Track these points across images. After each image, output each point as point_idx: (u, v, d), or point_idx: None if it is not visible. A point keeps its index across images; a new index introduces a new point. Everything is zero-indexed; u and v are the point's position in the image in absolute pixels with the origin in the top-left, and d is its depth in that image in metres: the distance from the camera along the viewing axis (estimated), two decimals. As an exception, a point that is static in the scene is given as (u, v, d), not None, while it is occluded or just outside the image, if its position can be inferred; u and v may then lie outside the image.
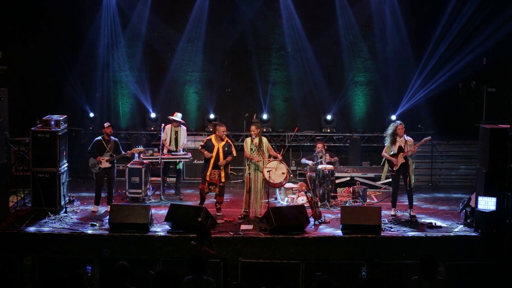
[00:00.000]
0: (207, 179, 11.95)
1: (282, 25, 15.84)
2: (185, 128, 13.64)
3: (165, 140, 13.33)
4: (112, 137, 12.52)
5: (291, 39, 15.87)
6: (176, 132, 13.37)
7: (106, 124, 12.50)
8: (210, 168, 11.94)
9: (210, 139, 12.08)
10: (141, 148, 12.96)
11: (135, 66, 16.03)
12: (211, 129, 12.44)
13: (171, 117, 13.51)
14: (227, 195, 13.92)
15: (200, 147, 12.18)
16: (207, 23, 15.77)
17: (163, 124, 13.61)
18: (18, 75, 15.83)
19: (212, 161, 11.93)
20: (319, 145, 13.51)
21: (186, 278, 7.69)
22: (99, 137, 12.47)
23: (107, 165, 12.31)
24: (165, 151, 13.19)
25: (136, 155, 13.43)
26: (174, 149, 13.29)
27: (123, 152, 12.50)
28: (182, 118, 13.52)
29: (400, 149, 11.96)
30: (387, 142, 12.15)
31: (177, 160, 13.32)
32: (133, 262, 7.49)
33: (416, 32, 15.52)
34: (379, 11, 15.59)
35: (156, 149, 13.19)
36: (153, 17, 15.73)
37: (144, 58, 15.97)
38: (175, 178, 13.79)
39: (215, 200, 12.20)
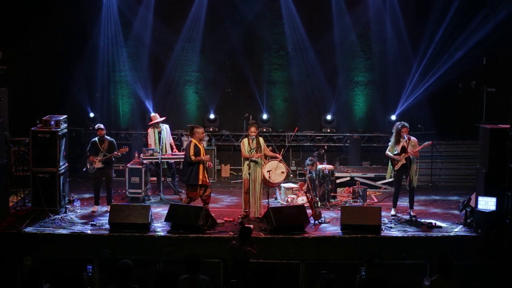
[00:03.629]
0: (200, 183, 11.66)
1: (282, 25, 15.86)
2: (167, 126, 13.63)
3: (151, 144, 13.34)
4: (108, 138, 12.51)
5: (291, 39, 15.88)
6: (159, 133, 13.36)
7: (96, 126, 12.51)
8: (201, 172, 11.62)
9: (196, 144, 11.65)
10: (125, 148, 12.68)
11: (135, 66, 16.03)
12: (187, 132, 12.07)
13: (152, 122, 13.49)
14: (226, 195, 13.94)
15: (193, 158, 11.51)
16: (207, 23, 15.79)
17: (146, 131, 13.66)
18: (18, 75, 15.83)
19: (201, 166, 11.64)
20: (311, 166, 13.25)
21: (183, 277, 7.70)
22: (95, 138, 12.49)
23: (100, 165, 12.29)
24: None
25: (136, 155, 13.46)
26: (159, 151, 13.14)
27: (115, 152, 12.43)
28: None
29: (403, 149, 11.96)
30: (392, 142, 12.15)
31: (159, 160, 13.08)
32: (133, 262, 7.48)
33: (416, 32, 15.51)
34: (379, 11, 15.58)
35: (156, 149, 13.16)
36: (153, 17, 15.72)
37: (144, 58, 15.96)
38: (171, 178, 13.84)
39: (202, 202, 11.86)
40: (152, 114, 14.01)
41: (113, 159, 12.44)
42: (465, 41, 15.09)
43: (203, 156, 11.64)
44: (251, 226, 11.24)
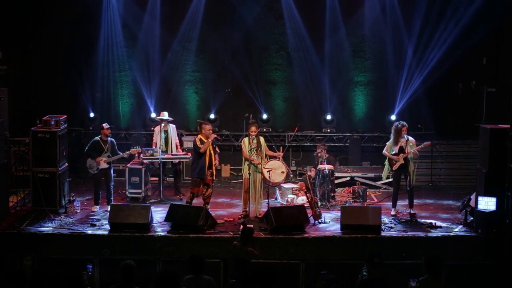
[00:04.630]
0: (208, 177, 11.80)
1: (282, 25, 15.86)
2: (174, 126, 13.64)
3: (155, 143, 13.34)
4: (109, 138, 12.52)
5: (291, 39, 15.87)
6: (166, 132, 13.36)
7: (105, 125, 12.48)
8: (206, 168, 11.75)
9: (201, 139, 11.73)
10: (138, 148, 12.90)
11: (135, 66, 16.02)
12: (198, 129, 12.14)
13: (158, 118, 13.53)
14: (226, 196, 13.93)
15: (201, 149, 11.60)
16: (207, 23, 15.79)
17: (152, 128, 13.69)
18: (18, 75, 15.81)
19: (207, 160, 11.75)
20: (319, 151, 13.49)
21: (187, 277, 7.69)
22: (97, 138, 12.48)
23: (105, 165, 12.31)
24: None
25: (136, 154, 13.45)
26: (165, 149, 13.19)
27: (121, 153, 12.47)
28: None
29: (401, 150, 11.96)
30: (390, 141, 12.13)
31: (159, 160, 13.07)
32: (133, 262, 7.48)
33: (416, 32, 15.48)
34: (380, 11, 15.57)
35: (156, 149, 13.17)
36: (153, 18, 15.71)
37: (144, 58, 15.96)
38: (173, 178, 13.84)
39: (203, 201, 11.94)
40: (154, 114, 13.97)
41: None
42: (465, 40, 15.08)
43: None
44: (251, 226, 11.27)
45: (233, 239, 10.65)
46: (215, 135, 11.96)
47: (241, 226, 10.33)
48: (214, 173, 11.91)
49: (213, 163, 11.86)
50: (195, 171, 11.75)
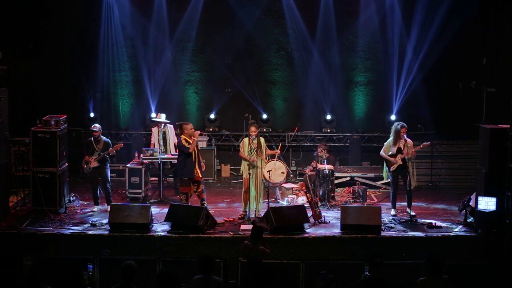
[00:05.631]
0: (195, 175, 11.77)
1: (282, 25, 15.87)
2: (172, 126, 13.65)
3: (154, 143, 13.36)
4: (104, 138, 12.52)
5: (291, 39, 15.88)
6: (164, 133, 13.38)
7: (92, 127, 12.52)
8: (196, 165, 11.77)
9: (186, 139, 11.73)
10: (120, 143, 12.75)
11: (135, 66, 16.03)
12: (178, 131, 12.18)
13: (155, 119, 13.54)
14: (227, 196, 13.95)
15: (189, 149, 11.63)
16: (207, 23, 15.81)
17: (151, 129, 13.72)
18: (18, 75, 15.82)
19: (194, 158, 11.72)
20: (320, 150, 13.52)
21: (196, 277, 7.69)
22: (90, 138, 12.52)
23: (96, 164, 12.31)
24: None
25: (136, 155, 13.49)
26: (164, 150, 13.22)
27: (110, 149, 12.45)
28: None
29: (399, 151, 11.95)
30: (389, 142, 12.11)
31: (159, 160, 13.09)
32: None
33: (416, 32, 15.49)
34: (379, 11, 15.57)
35: (156, 149, 13.19)
36: (153, 17, 15.72)
37: (144, 58, 15.96)
38: (173, 178, 13.85)
39: (199, 199, 11.99)
40: (154, 114, 14.00)
41: (108, 157, 12.44)
42: (465, 40, 15.08)
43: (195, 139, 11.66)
44: (251, 226, 11.25)
45: (233, 239, 10.66)
46: (199, 132, 11.99)
47: (251, 225, 10.30)
48: (199, 170, 11.84)
49: (200, 159, 11.90)
50: (184, 171, 11.76)
